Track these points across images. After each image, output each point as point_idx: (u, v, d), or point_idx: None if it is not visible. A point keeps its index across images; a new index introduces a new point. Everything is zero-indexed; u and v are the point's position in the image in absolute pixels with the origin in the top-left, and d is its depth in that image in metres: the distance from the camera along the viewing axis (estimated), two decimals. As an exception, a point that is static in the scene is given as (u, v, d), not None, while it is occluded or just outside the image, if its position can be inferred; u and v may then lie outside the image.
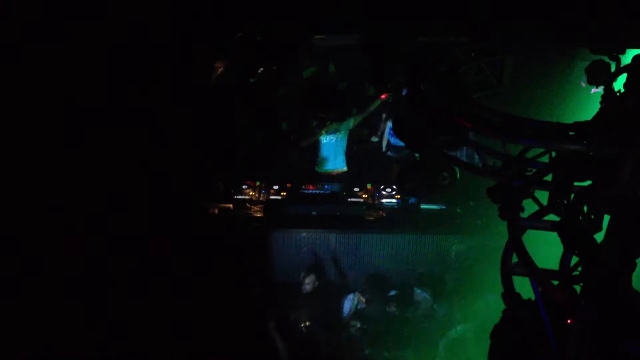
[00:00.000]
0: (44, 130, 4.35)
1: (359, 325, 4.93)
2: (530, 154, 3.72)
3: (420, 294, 5.14)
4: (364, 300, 5.08)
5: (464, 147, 5.35)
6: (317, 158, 6.11)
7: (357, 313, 5.04)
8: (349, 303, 5.09)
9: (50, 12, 4.26)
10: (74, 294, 4.36)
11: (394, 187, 5.73)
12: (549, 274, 2.62)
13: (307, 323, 4.97)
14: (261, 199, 5.64)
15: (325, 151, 6.08)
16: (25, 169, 4.27)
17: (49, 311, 4.24)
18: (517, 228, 2.96)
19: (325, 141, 6.08)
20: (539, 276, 2.46)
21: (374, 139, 6.62)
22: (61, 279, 4.34)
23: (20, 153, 4.26)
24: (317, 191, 5.76)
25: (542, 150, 3.59)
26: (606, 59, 3.97)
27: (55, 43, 4.33)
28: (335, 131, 6.04)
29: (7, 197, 4.19)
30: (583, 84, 5.31)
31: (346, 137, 6.14)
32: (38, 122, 4.32)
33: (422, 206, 5.62)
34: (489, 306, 4.69)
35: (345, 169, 6.12)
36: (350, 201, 5.67)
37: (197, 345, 4.53)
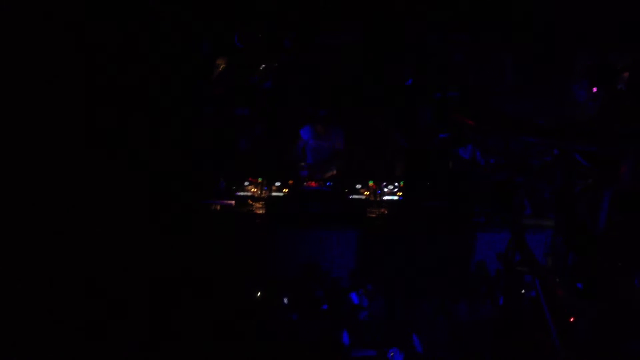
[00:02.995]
0: (43, 130, 4.35)
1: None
2: (533, 151, 3.74)
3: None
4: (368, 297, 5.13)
5: (467, 145, 5.39)
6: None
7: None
8: (356, 299, 5.13)
9: (50, 12, 4.27)
10: (73, 294, 4.37)
11: (397, 183, 5.75)
12: (551, 272, 2.64)
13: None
14: (263, 195, 5.65)
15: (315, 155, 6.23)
16: (25, 168, 4.27)
17: (47, 311, 4.25)
18: (519, 226, 2.99)
19: (315, 145, 6.19)
20: (542, 274, 2.48)
21: None
22: (60, 278, 4.34)
23: (20, 152, 4.27)
24: (319, 188, 5.77)
25: (544, 148, 3.61)
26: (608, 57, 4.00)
27: (55, 42, 4.33)
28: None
29: (6, 197, 4.19)
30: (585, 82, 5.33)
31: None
32: (38, 121, 4.32)
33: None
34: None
35: (334, 171, 6.25)
36: (352, 198, 5.68)
37: (196, 344, 4.55)
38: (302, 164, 6.28)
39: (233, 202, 5.62)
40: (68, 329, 4.23)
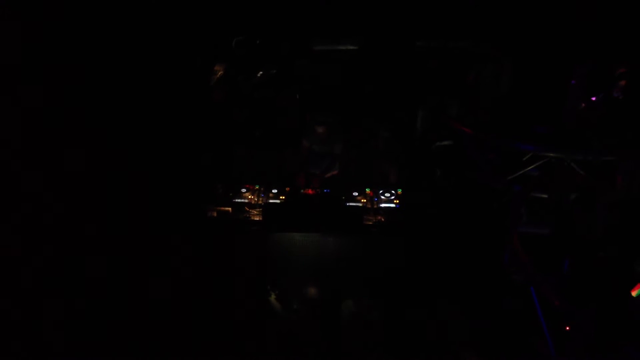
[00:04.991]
0: (44, 129, 4.33)
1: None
2: (530, 159, 3.74)
3: None
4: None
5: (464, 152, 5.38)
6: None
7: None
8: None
9: (50, 13, 4.27)
10: (73, 294, 4.35)
11: (393, 191, 5.74)
12: (547, 279, 2.63)
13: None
14: (260, 202, 5.64)
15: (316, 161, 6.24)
16: (25, 168, 4.25)
17: (47, 311, 4.23)
18: (516, 233, 2.98)
19: (317, 151, 6.22)
20: (537, 282, 2.47)
21: None
22: (60, 278, 4.33)
23: (18, 151, 4.25)
24: (316, 195, 5.76)
25: (541, 156, 3.61)
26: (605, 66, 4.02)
27: (55, 42, 4.33)
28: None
29: (6, 196, 4.17)
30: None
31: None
32: (38, 121, 4.31)
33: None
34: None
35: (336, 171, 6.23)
36: (349, 205, 5.66)
37: (194, 345, 4.54)
38: (302, 170, 6.27)
39: (230, 208, 5.62)
40: (66, 330, 4.23)
